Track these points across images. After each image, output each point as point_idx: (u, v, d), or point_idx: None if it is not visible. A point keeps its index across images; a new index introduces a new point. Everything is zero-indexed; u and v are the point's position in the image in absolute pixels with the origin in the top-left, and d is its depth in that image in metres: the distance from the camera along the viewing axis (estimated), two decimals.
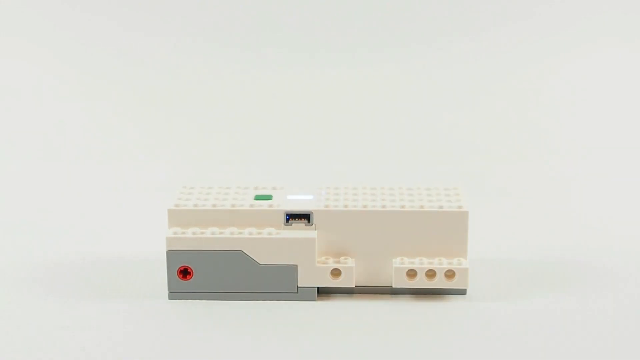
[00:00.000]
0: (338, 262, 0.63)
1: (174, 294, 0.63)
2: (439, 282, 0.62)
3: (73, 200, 0.83)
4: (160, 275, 0.65)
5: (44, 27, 1.01)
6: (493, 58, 1.00)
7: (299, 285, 0.62)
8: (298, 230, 0.62)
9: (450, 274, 0.62)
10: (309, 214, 0.63)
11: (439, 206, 0.63)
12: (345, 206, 0.63)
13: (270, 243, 0.62)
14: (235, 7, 1.01)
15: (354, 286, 0.63)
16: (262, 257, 0.62)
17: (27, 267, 0.68)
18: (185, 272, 0.62)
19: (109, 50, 1.00)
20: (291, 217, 0.63)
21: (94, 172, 0.89)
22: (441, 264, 0.62)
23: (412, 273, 0.62)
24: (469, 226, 0.63)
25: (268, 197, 0.64)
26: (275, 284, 0.62)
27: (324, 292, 0.63)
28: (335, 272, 0.62)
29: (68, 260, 0.69)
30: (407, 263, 0.62)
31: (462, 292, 0.63)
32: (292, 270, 0.62)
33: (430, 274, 0.62)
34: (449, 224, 0.62)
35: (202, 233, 0.62)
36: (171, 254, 0.62)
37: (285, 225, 0.63)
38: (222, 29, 1.01)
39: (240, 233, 0.62)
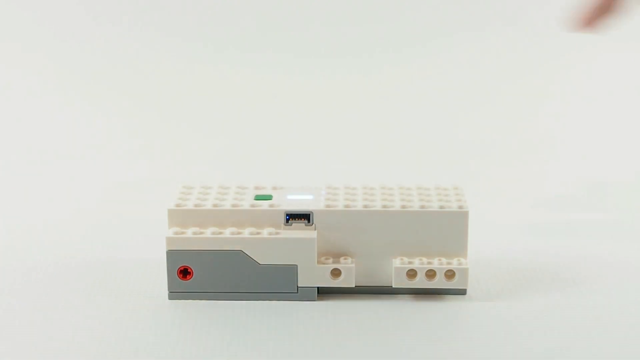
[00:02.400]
0: (338, 262, 0.62)
1: (174, 294, 0.63)
2: (439, 282, 0.62)
3: (73, 200, 0.83)
4: (160, 275, 0.65)
5: (43, 29, 1.01)
6: (494, 59, 1.00)
7: (299, 285, 0.62)
8: (298, 230, 0.62)
9: (450, 274, 0.62)
10: (309, 214, 0.62)
11: (439, 206, 0.62)
12: (345, 206, 0.63)
13: (270, 243, 0.62)
14: (237, 8, 1.01)
15: (354, 286, 0.63)
16: (262, 257, 0.62)
17: (26, 268, 0.68)
18: (185, 272, 0.62)
19: (110, 51, 1.00)
20: (291, 217, 0.63)
21: (93, 172, 0.89)
22: (441, 264, 0.62)
23: (412, 273, 0.62)
24: (469, 226, 0.63)
25: (268, 197, 0.64)
26: (275, 284, 0.62)
27: (324, 292, 0.63)
28: (335, 272, 0.62)
29: (68, 260, 0.69)
30: (407, 263, 0.62)
31: (462, 292, 0.63)
32: (292, 270, 0.62)
33: (430, 274, 0.62)
34: (449, 224, 0.62)
35: (202, 233, 0.62)
36: (171, 254, 0.62)
37: (285, 225, 0.63)
38: (223, 29, 1.01)
39: (240, 233, 0.62)
